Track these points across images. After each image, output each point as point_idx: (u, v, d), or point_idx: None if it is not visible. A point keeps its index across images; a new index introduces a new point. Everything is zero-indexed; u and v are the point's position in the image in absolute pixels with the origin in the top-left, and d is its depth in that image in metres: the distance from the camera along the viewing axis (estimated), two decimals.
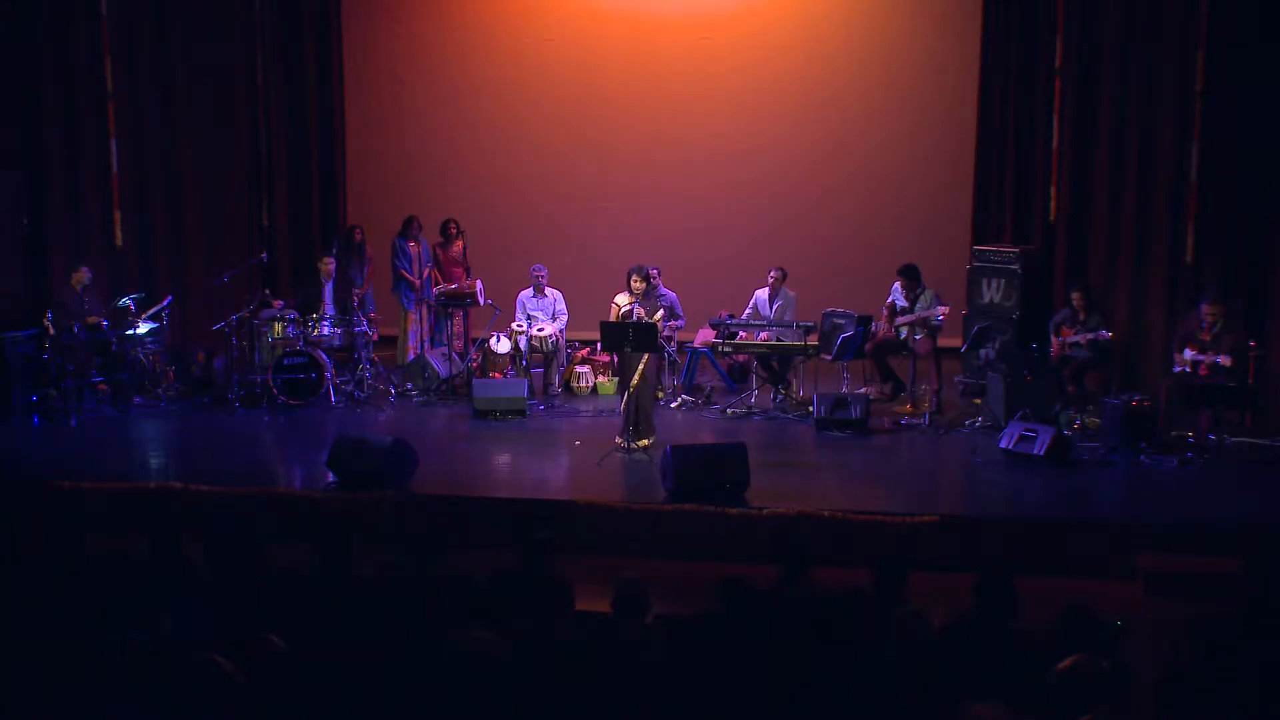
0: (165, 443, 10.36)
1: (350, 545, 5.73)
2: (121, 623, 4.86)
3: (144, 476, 9.03)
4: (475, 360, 11.94)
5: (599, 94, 14.00)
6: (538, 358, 11.74)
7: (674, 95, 13.88)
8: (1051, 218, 12.00)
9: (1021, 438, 9.25)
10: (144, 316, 11.43)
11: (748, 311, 11.57)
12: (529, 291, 11.80)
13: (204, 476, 8.80)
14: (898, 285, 11.14)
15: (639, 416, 9.54)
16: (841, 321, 11.44)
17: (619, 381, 10.37)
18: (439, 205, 13.28)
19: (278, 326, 11.33)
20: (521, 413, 10.78)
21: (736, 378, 12.01)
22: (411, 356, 12.29)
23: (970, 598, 5.11)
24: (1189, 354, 9.67)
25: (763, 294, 11.52)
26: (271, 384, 11.02)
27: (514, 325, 11.64)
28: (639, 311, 9.53)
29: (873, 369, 11.38)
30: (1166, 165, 10.90)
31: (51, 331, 10.79)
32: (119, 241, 12.68)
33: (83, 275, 11.23)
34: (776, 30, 13.71)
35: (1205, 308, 9.68)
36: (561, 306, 11.82)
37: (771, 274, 11.47)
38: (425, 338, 12.39)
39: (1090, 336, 10.34)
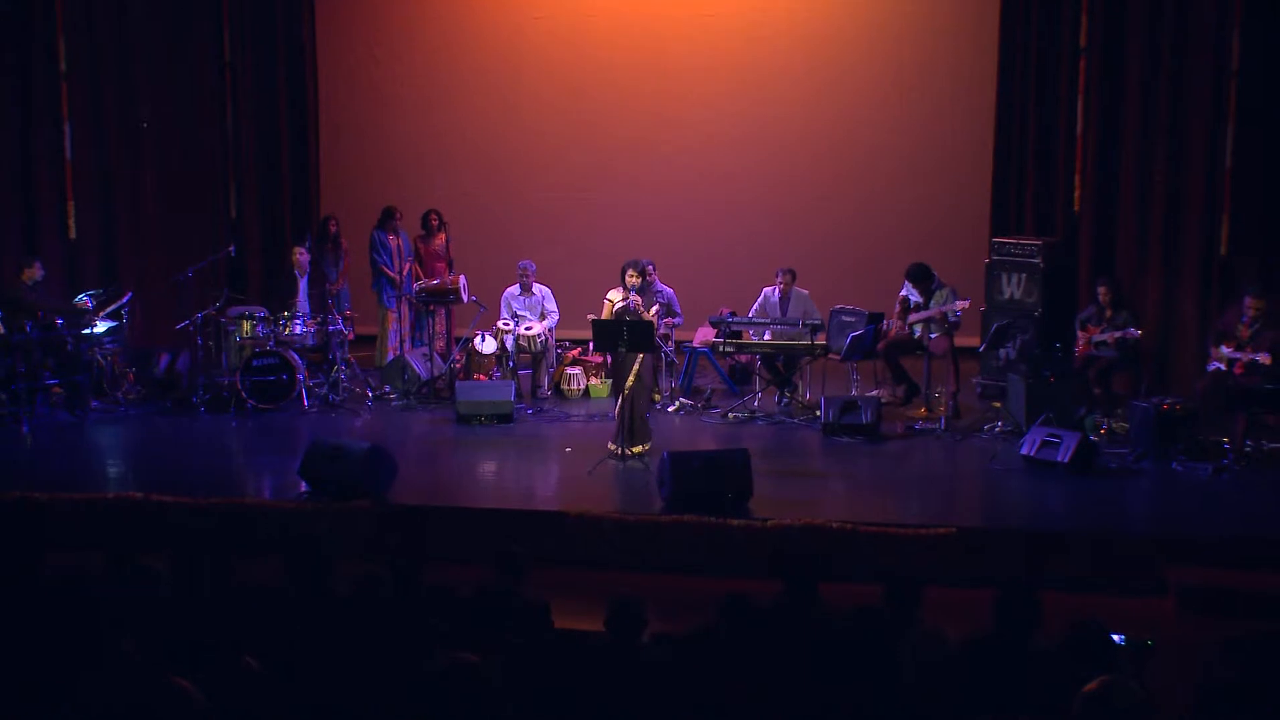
0: (124, 450, 10.35)
1: (325, 560, 5.72)
2: (79, 652, 4.84)
3: (101, 487, 9.02)
4: (459, 361, 11.93)
5: (592, 75, 14.00)
6: (526, 358, 11.74)
7: (673, 78, 13.88)
8: (1076, 207, 12.01)
9: (1044, 444, 9.26)
10: (101, 314, 11.41)
11: (754, 309, 11.56)
12: (515, 289, 11.80)
13: (167, 486, 8.78)
14: None
15: (634, 421, 9.54)
16: (851, 319, 11.44)
17: (612, 384, 10.35)
18: (420, 195, 13.27)
19: (246, 325, 11.32)
20: (508, 417, 10.78)
21: (738, 379, 12.00)
22: (390, 357, 12.28)
23: (989, 615, 5.11)
24: (1226, 351, 9.68)
25: (772, 292, 11.51)
26: (240, 387, 11.00)
27: (500, 324, 11.63)
28: (635, 300, 9.51)
29: (884, 370, 11.39)
30: (1199, 150, 10.91)
31: (1, 331, 10.77)
32: (73, 234, 12.66)
33: (35, 271, 11.20)
34: (781, 7, 13.72)
35: (1248, 301, 9.66)
36: (551, 305, 11.82)
37: (780, 278, 11.47)
38: (405, 337, 12.38)
39: (1118, 335, 10.35)
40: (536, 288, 11.82)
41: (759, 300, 11.57)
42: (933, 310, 10.90)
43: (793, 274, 11.49)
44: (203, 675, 4.26)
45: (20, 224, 12.33)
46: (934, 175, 13.55)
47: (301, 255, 11.85)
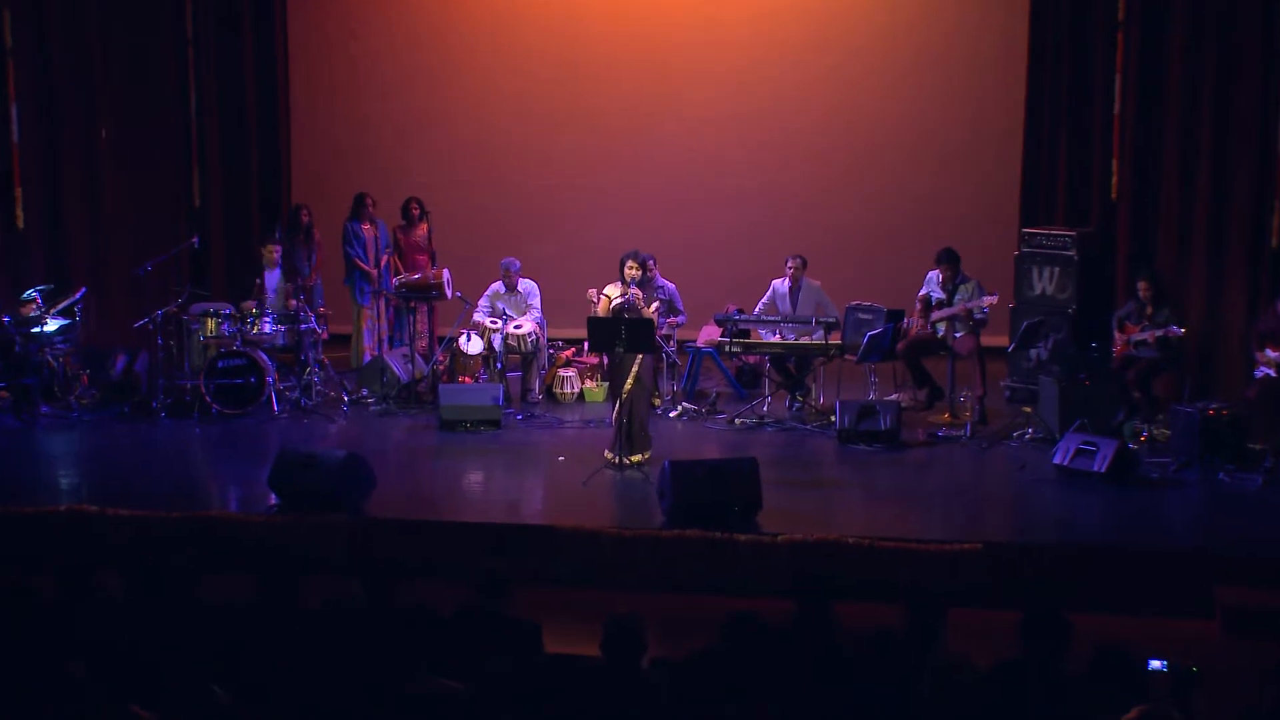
0: (77, 459, 10.33)
1: (296, 578, 5.72)
2: (27, 679, 4.84)
3: (52, 499, 9.00)
4: (442, 362, 11.93)
5: (585, 50, 13.98)
6: (515, 359, 11.73)
7: (674, 54, 13.87)
8: (1113, 195, 12.00)
9: (1079, 452, 9.26)
10: (53, 311, 11.40)
11: (762, 305, 11.56)
12: (500, 286, 11.80)
13: (124, 499, 8.77)
14: (934, 274, 11.15)
15: (633, 427, 9.54)
16: (868, 317, 11.43)
17: (609, 387, 10.35)
18: (400, 182, 13.27)
19: (210, 323, 11.31)
20: (496, 423, 10.77)
21: (746, 382, 12.00)
22: (367, 358, 12.27)
23: (1016, 639, 5.12)
24: (1271, 354, 9.68)
25: (781, 284, 11.51)
26: (203, 390, 11.00)
27: (487, 322, 11.63)
28: (635, 294, 9.49)
29: (905, 372, 11.39)
30: (1248, 133, 10.90)
31: None
32: (20, 223, 12.65)
33: None
34: None
35: None
36: (534, 300, 11.81)
37: (789, 263, 11.47)
38: (383, 336, 12.37)
39: (1159, 333, 10.34)
40: (522, 283, 11.82)
41: (767, 294, 11.56)
42: (957, 307, 10.90)
43: (803, 261, 11.46)
44: (165, 705, 4.26)
45: None
46: (958, 159, 13.54)
47: (274, 251, 11.85)
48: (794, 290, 11.47)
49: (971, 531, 8.29)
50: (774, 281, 11.60)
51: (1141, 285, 10.55)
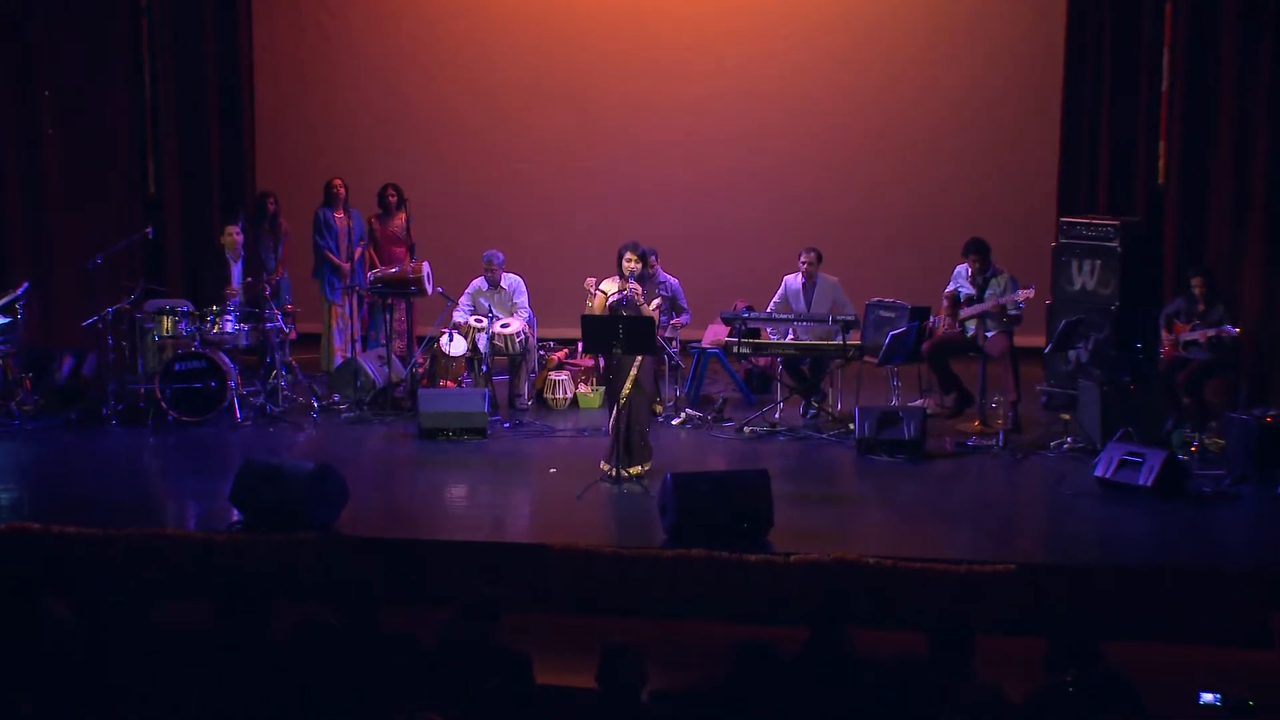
0: (19, 471, 10.31)
1: (262, 603, 5.73)
2: None
3: None
4: (421, 365, 11.95)
5: (577, 21, 14.01)
6: (502, 362, 11.74)
7: (676, 27, 13.89)
8: (1160, 180, 12.02)
9: (1123, 464, 9.27)
10: None
11: (774, 302, 11.58)
12: (482, 282, 11.81)
13: (71, 515, 8.76)
14: (962, 267, 11.15)
15: (631, 436, 9.55)
16: (890, 314, 11.44)
17: (605, 392, 10.37)
18: (375, 167, 13.30)
19: (166, 321, 11.32)
20: (481, 432, 10.79)
21: (756, 387, 12.01)
22: (339, 360, 12.29)
23: (1042, 670, 5.14)
24: None
25: (794, 279, 11.52)
26: (159, 395, 11.01)
27: (472, 321, 11.64)
28: (633, 288, 9.49)
29: (930, 375, 11.40)
30: None
31: None
32: None
33: None
34: None
35: None
36: (521, 298, 11.82)
37: (803, 258, 11.47)
38: (357, 336, 12.39)
39: (1211, 333, 10.35)
40: (507, 277, 11.83)
41: (779, 291, 11.58)
42: (988, 303, 10.91)
43: (818, 254, 11.48)
44: None
45: None
46: (988, 141, 13.57)
47: (236, 235, 11.85)
48: (808, 286, 11.48)
49: (1003, 552, 8.28)
50: (786, 277, 11.61)
51: (1195, 282, 10.50)
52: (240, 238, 11.89)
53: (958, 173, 13.57)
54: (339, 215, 12.47)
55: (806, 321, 11.35)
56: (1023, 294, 10.75)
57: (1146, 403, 10.13)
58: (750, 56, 13.81)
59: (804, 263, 11.47)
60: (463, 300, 11.80)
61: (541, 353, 12.08)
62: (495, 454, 10.54)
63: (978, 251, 10.97)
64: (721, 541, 8.19)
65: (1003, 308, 10.83)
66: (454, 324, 11.70)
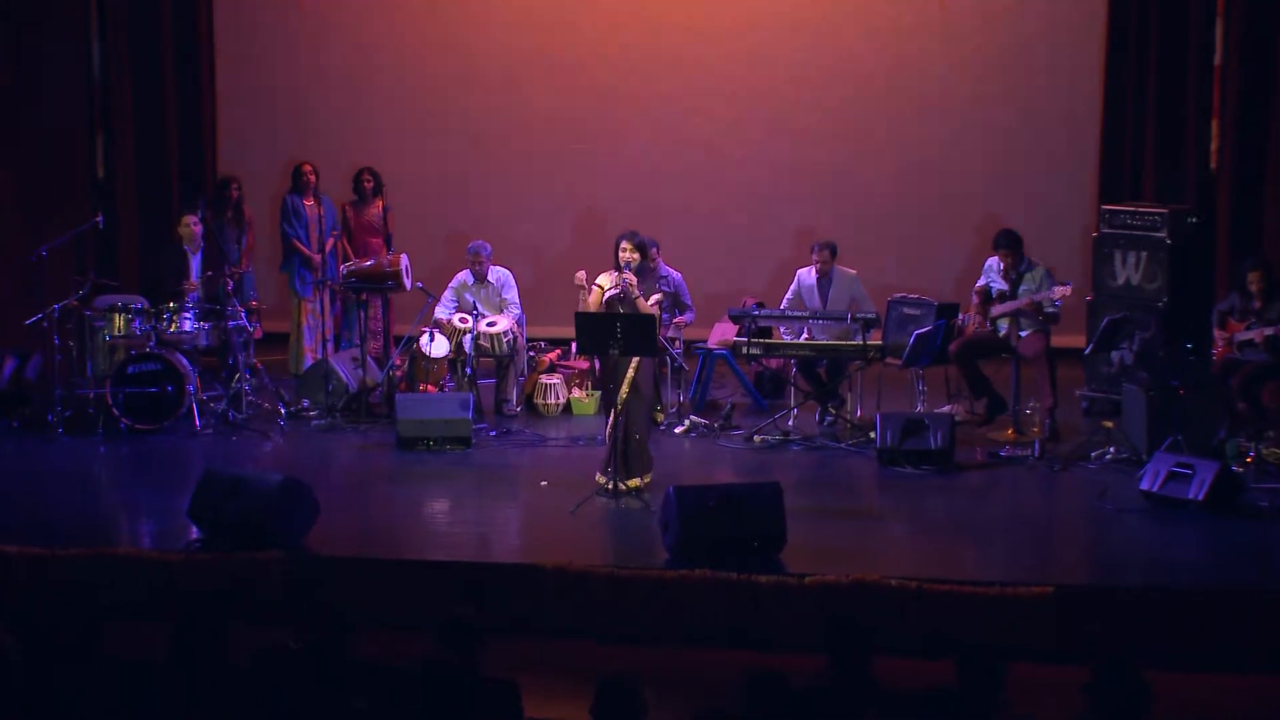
0: None
1: (221, 627, 5.73)
2: None
3: None
4: (399, 368, 11.95)
5: None
6: (488, 364, 11.74)
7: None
8: (1212, 164, 12.03)
9: (1171, 476, 9.26)
10: None
11: (787, 299, 11.58)
12: (467, 276, 11.81)
13: (14, 532, 8.77)
14: (993, 261, 11.16)
15: (630, 446, 9.54)
16: (915, 312, 11.44)
17: (601, 397, 10.37)
18: (349, 151, 13.31)
19: (118, 320, 11.31)
20: (465, 441, 10.79)
21: (767, 391, 12.02)
22: (309, 361, 12.29)
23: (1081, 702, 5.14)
24: None
25: (808, 274, 11.52)
26: (110, 401, 11.01)
27: (454, 319, 11.64)
28: (628, 279, 9.48)
29: (959, 379, 11.40)
30: None
31: None
32: None
33: None
34: None
35: None
36: (510, 294, 11.82)
37: (815, 254, 11.47)
38: (328, 335, 12.40)
39: (1269, 332, 10.36)
40: (493, 272, 11.83)
41: (793, 286, 11.59)
42: (1022, 300, 10.90)
43: (832, 249, 11.48)
44: None
45: None
46: (1022, 122, 13.55)
47: (194, 226, 11.84)
48: (824, 281, 11.47)
49: (1040, 572, 8.28)
50: (800, 271, 11.62)
51: (1252, 276, 10.51)
52: (199, 228, 11.86)
53: (989, 157, 13.54)
54: (309, 203, 12.48)
55: (822, 320, 11.35)
56: (1060, 290, 10.74)
57: (1197, 409, 10.12)
58: (761, 31, 13.76)
59: (817, 260, 11.45)
60: (445, 296, 11.79)
61: (531, 354, 12.07)
62: (480, 465, 10.54)
63: (1010, 244, 10.97)
64: (729, 561, 8.19)
65: (1038, 305, 10.83)
66: (435, 322, 11.69)
